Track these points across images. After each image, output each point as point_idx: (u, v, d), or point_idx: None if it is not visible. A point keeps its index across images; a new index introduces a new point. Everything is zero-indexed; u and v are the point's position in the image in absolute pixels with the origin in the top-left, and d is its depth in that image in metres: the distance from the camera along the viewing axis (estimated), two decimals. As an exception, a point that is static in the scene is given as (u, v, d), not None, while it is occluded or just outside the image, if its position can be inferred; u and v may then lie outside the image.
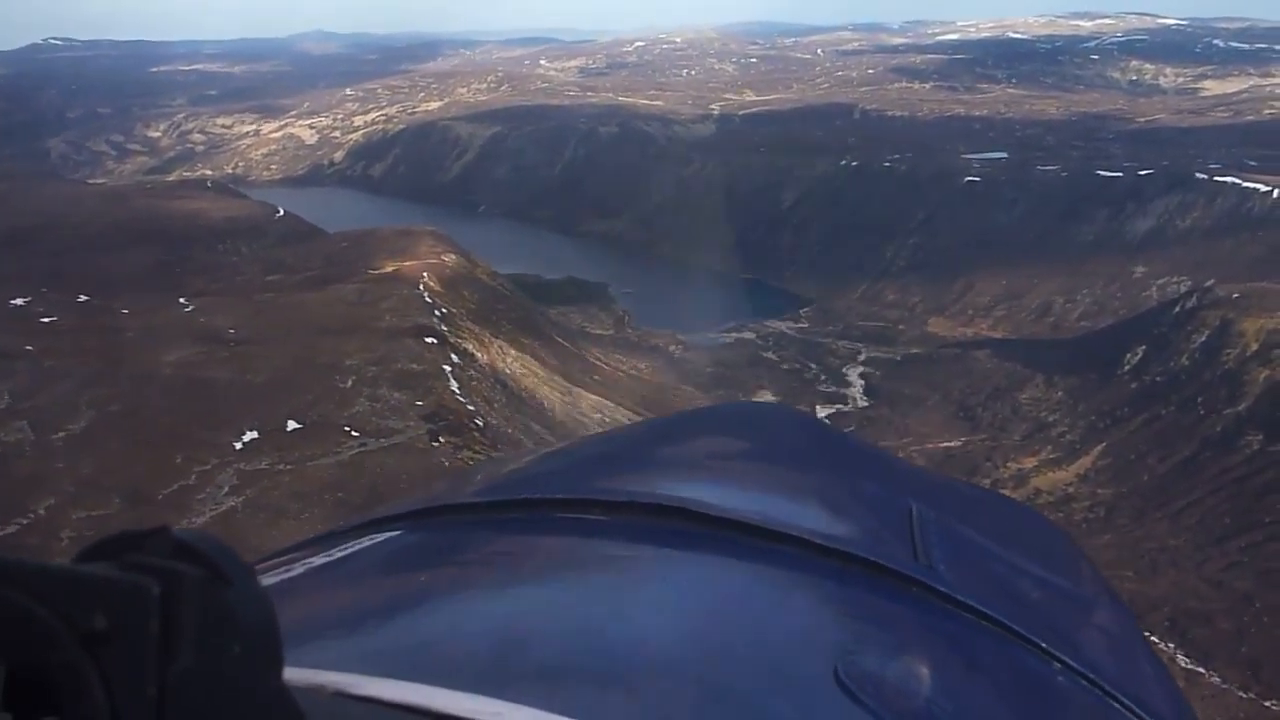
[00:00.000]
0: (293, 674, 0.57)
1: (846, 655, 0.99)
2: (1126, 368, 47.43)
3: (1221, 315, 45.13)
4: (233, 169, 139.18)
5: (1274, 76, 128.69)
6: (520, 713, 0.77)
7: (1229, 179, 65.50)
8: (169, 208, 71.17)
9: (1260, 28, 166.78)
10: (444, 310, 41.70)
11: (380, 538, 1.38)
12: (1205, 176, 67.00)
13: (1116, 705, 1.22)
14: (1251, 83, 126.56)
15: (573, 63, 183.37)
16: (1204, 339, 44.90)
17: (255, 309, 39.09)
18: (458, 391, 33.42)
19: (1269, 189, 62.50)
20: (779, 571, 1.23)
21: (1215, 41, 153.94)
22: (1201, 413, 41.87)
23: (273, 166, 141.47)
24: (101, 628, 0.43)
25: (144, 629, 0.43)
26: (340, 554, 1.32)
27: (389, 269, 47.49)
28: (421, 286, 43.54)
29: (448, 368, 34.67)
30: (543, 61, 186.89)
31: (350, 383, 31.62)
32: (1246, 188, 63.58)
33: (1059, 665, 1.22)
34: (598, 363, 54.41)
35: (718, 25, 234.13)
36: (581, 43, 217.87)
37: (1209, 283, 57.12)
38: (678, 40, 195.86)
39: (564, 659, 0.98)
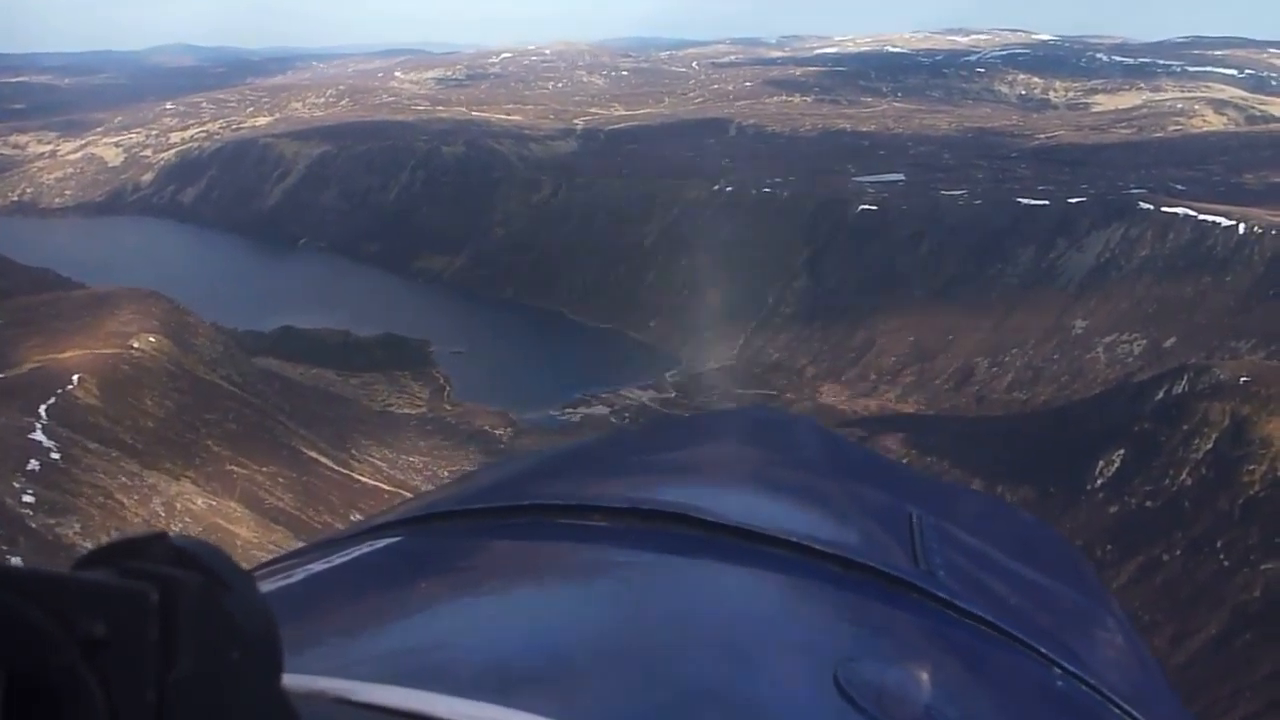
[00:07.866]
0: (292, 680, 0.56)
1: (845, 661, 0.99)
2: (1099, 480, 34.19)
3: (1230, 410, 32.09)
4: (18, 195, 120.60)
5: (1165, 91, 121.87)
6: (519, 719, 0.77)
7: (1180, 210, 53.23)
8: None
9: (1134, 44, 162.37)
10: (68, 451, 25.63)
11: (380, 543, 1.37)
12: (1150, 206, 54.72)
13: (1116, 711, 1.21)
14: (1145, 97, 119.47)
15: (430, 74, 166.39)
16: (1211, 446, 31.93)
17: None
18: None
19: (1233, 223, 50.14)
20: (778, 576, 1.22)
21: (1098, 55, 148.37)
22: (1225, 563, 28.66)
23: (66, 192, 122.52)
24: (100, 634, 0.42)
25: (143, 635, 0.43)
26: (340, 560, 1.32)
27: (28, 366, 31.09)
28: (45, 409, 27.32)
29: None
30: (397, 73, 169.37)
31: None
32: (1204, 221, 51.13)
33: (1059, 671, 1.21)
34: (375, 478, 38.76)
35: (593, 40, 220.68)
36: (446, 54, 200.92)
37: (1168, 341, 44.97)
38: (547, 52, 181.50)
39: (562, 665, 0.98)
